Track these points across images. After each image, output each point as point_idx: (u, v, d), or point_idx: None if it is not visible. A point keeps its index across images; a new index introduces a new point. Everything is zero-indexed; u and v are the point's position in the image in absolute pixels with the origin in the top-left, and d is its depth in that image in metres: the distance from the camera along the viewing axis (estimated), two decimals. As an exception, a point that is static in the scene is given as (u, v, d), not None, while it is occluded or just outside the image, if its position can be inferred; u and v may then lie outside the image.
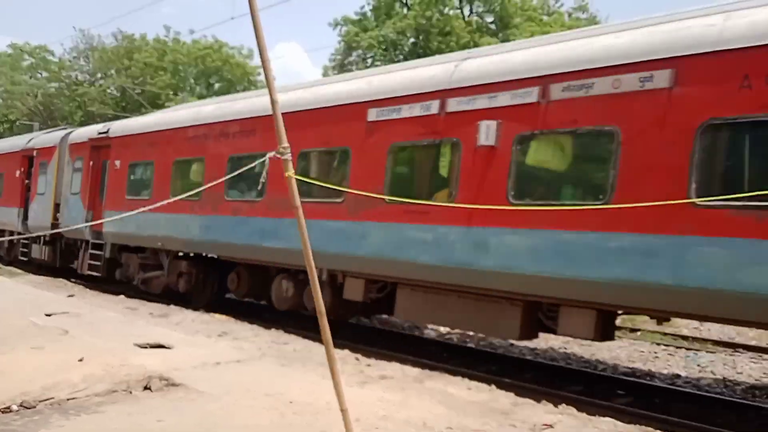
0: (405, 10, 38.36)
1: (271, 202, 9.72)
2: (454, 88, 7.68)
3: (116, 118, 23.01)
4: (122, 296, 12.80)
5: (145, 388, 5.44)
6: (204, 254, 11.63)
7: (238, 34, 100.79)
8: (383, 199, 8.10)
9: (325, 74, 39.58)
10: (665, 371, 9.42)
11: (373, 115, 8.52)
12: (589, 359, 10.15)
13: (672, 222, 5.76)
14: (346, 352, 7.90)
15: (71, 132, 17.04)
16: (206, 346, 7.53)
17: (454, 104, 7.61)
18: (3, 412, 4.68)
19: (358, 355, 7.71)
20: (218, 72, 47.93)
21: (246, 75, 48.54)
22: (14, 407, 4.78)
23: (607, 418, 5.78)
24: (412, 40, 37.28)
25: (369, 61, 38.15)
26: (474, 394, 6.21)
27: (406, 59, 33.32)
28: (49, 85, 49.17)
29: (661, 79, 5.97)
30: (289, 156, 3.89)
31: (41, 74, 51.85)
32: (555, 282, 6.55)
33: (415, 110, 8.03)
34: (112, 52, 46.77)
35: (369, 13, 39.75)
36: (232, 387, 5.57)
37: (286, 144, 3.88)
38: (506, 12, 36.85)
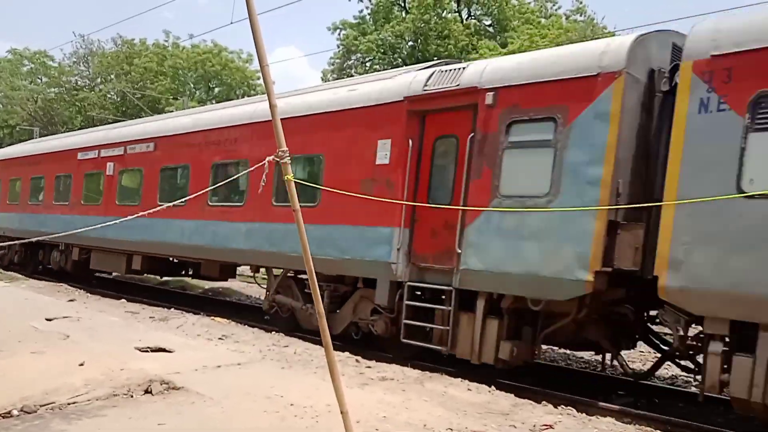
0: (403, 14, 38.40)
1: (46, 204, 17.39)
2: (104, 144, 15.25)
3: (116, 122, 23.61)
4: (123, 300, 12.84)
5: (146, 391, 5.45)
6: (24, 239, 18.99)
7: (237, 38, 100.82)
8: (80, 201, 15.72)
9: (324, 79, 39.60)
10: (665, 371, 9.41)
11: (80, 156, 16.05)
12: (589, 359, 10.16)
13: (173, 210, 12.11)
14: (347, 354, 7.91)
15: None
16: (207, 350, 7.55)
17: (103, 152, 15.10)
18: (4, 417, 4.69)
19: (359, 357, 7.71)
20: (218, 76, 47.94)
21: (245, 79, 48.58)
22: (15, 412, 4.79)
23: (607, 419, 5.80)
24: (410, 43, 37.30)
25: (368, 64, 38.16)
26: (474, 395, 6.22)
27: (404, 63, 33.38)
28: (49, 90, 49.13)
29: (151, 146, 13.42)
30: (288, 160, 3.92)
31: (41, 79, 51.88)
32: (132, 243, 13.28)
33: (91, 154, 15.56)
34: (111, 57, 46.75)
35: (367, 17, 39.77)
36: (232, 390, 5.58)
37: (284, 148, 3.90)
38: (504, 15, 36.86)
